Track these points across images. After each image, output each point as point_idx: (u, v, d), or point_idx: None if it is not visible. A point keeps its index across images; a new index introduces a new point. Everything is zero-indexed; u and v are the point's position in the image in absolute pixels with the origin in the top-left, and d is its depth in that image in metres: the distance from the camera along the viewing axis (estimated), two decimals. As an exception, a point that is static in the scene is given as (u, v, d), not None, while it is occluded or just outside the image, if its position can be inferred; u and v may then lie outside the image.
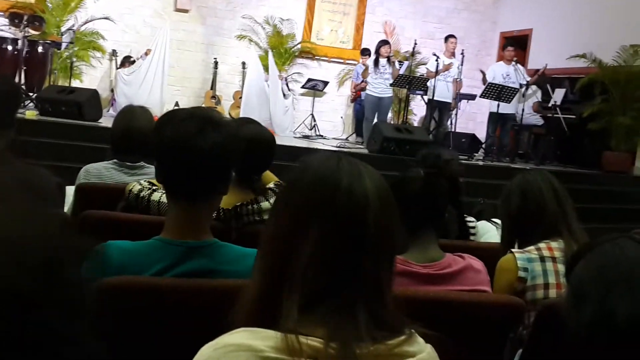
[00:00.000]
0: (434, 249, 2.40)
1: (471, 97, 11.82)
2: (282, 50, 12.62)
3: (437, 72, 10.59)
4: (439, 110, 11.05)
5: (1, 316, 0.47)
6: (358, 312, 1.22)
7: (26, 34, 10.12)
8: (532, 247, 2.65)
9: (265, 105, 10.73)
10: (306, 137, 11.48)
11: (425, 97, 11.26)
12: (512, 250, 2.67)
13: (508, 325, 2.34)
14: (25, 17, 10.47)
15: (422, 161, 3.35)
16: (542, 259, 2.62)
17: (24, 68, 9.76)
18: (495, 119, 10.85)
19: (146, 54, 11.22)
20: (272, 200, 2.85)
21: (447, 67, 10.77)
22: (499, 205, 2.91)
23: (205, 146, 1.83)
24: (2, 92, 2.62)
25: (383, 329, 1.24)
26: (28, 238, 0.51)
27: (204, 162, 1.84)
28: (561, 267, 2.63)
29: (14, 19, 10.49)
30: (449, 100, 10.99)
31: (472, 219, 3.50)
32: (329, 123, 12.81)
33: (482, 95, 10.50)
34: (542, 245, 2.66)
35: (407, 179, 2.45)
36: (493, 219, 3.97)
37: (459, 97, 11.41)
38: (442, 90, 10.77)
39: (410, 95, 11.33)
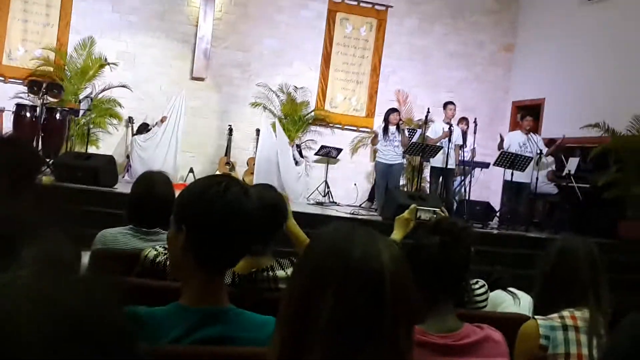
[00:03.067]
0: (452, 318, 2.36)
1: (485, 165, 11.84)
2: (296, 118, 12.76)
3: (438, 139, 10.63)
4: (443, 177, 11.06)
5: None
6: None
7: (45, 102, 10.31)
8: (555, 315, 2.62)
9: (277, 174, 10.80)
10: (320, 203, 11.49)
11: (430, 165, 11.26)
12: (535, 317, 2.63)
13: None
14: (44, 85, 10.69)
15: (437, 228, 3.32)
16: (565, 327, 2.58)
17: (42, 134, 9.91)
18: (509, 187, 10.83)
19: (162, 120, 11.39)
20: (287, 270, 2.84)
21: (446, 134, 10.77)
22: (538, 265, 2.89)
23: (248, 211, 1.85)
24: (23, 158, 2.65)
25: None
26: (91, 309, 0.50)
27: (245, 228, 1.85)
28: (584, 338, 2.58)
29: (33, 87, 10.72)
30: (452, 167, 10.99)
31: (482, 288, 3.41)
32: (343, 190, 12.84)
33: (496, 164, 10.51)
34: (565, 313, 2.63)
35: (422, 247, 2.43)
36: (510, 289, 3.92)
37: (473, 165, 11.42)
38: (447, 157, 10.72)
39: (424, 162, 11.37)
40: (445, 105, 11.17)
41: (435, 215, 3.64)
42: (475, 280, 3.32)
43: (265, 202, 2.85)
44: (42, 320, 0.47)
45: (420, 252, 2.38)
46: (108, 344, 0.48)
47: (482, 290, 3.33)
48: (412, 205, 3.61)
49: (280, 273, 2.85)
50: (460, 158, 11.03)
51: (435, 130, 10.94)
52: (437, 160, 10.71)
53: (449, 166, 10.79)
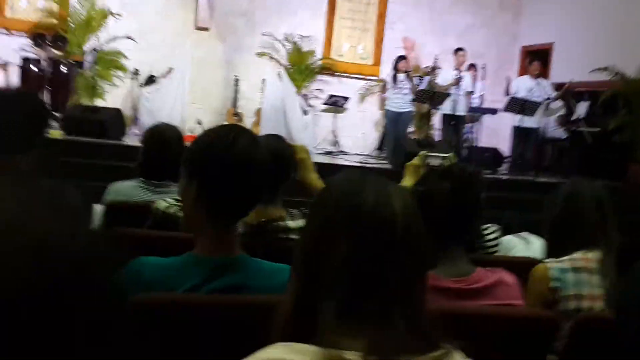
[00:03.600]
0: (464, 263, 2.37)
1: (493, 111, 11.76)
2: (302, 67, 12.66)
3: (447, 86, 10.55)
4: (453, 124, 10.99)
5: (28, 316, 0.44)
6: (395, 321, 1.22)
7: (49, 55, 10.24)
8: (565, 258, 2.63)
9: (283, 123, 10.76)
10: (328, 153, 11.47)
11: (441, 112, 11.21)
12: (545, 260, 2.64)
13: (543, 340, 2.30)
14: (48, 38, 10.60)
15: (447, 174, 3.31)
16: (576, 269, 2.59)
17: (49, 88, 9.87)
18: (518, 133, 10.78)
19: (168, 72, 11.31)
20: (298, 220, 2.85)
21: (457, 81, 10.69)
22: (545, 211, 2.89)
23: (258, 162, 1.85)
24: (30, 112, 2.64)
25: (421, 340, 1.23)
26: (60, 242, 0.48)
27: (256, 178, 1.85)
28: (595, 279, 2.59)
29: (38, 39, 10.64)
30: (463, 114, 10.94)
31: (494, 233, 3.41)
32: (351, 139, 12.80)
33: (506, 109, 10.44)
34: (577, 255, 2.63)
35: (432, 193, 2.43)
36: (521, 234, 3.92)
37: (481, 111, 11.35)
38: (456, 104, 10.66)
39: (432, 110, 11.31)
40: (456, 51, 11.04)
41: (444, 162, 3.63)
42: (486, 225, 3.32)
43: (274, 151, 2.84)
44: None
45: (431, 198, 2.38)
46: (73, 275, 0.47)
47: (494, 235, 3.34)
48: (422, 152, 3.59)
49: (290, 223, 2.85)
50: (470, 104, 10.95)
51: (444, 78, 10.85)
52: (447, 108, 10.64)
53: (458, 113, 10.72)
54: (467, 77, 10.93)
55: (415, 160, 3.51)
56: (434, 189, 2.42)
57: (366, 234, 1.26)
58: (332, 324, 1.21)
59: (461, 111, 10.78)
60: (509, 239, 3.83)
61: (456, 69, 10.71)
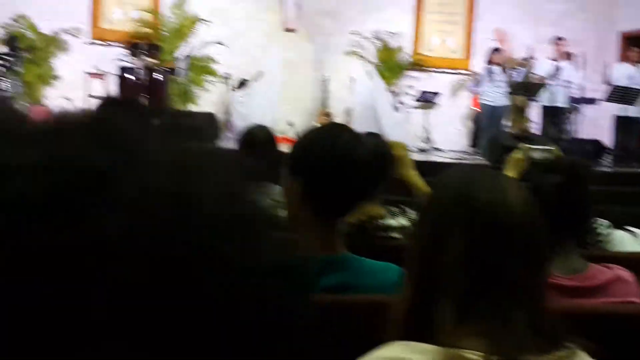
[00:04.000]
0: (577, 259, 2.27)
1: (592, 101, 11.35)
2: (391, 64, 12.58)
3: (548, 77, 10.26)
4: (556, 116, 10.67)
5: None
6: (516, 319, 1.19)
7: (144, 63, 10.57)
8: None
9: (375, 121, 10.71)
10: (422, 150, 11.35)
11: (540, 103, 10.92)
12: None
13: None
14: (143, 47, 10.95)
15: (556, 167, 3.19)
16: None
17: (144, 95, 10.18)
18: (621, 123, 10.38)
19: (258, 75, 11.48)
20: (398, 219, 2.81)
21: (556, 72, 10.39)
22: None
23: (361, 158, 1.85)
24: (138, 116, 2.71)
25: (543, 337, 1.20)
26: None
27: (360, 175, 1.85)
28: None
29: (133, 48, 11.00)
30: (565, 105, 10.60)
31: (605, 228, 3.27)
32: (443, 135, 12.61)
33: (608, 99, 10.07)
34: None
35: (541, 187, 2.33)
36: (628, 228, 3.76)
37: (580, 101, 10.99)
38: (557, 95, 10.38)
39: (528, 102, 11.01)
40: (555, 40, 10.73)
41: (548, 155, 3.52)
42: (596, 219, 3.18)
43: (373, 149, 2.80)
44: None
45: (540, 193, 2.29)
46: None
47: (606, 230, 3.20)
48: (524, 145, 3.49)
49: (391, 222, 2.82)
50: (569, 95, 10.64)
51: (542, 68, 10.55)
52: (545, 99, 10.36)
53: (558, 104, 10.41)
54: (566, 66, 10.61)
55: (518, 154, 3.41)
56: (542, 183, 2.33)
57: (483, 231, 1.23)
58: (450, 323, 1.19)
59: (561, 102, 10.47)
60: (616, 234, 3.67)
61: (553, 60, 10.42)
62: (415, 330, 1.21)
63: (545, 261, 1.33)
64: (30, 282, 0.36)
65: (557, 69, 10.34)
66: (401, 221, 2.81)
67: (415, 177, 3.18)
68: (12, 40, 10.98)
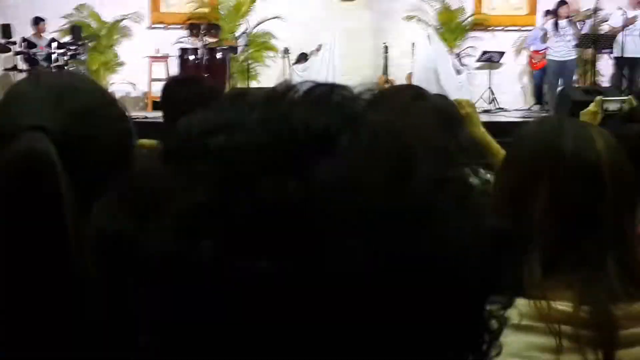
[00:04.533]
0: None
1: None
2: (452, 26, 12.34)
3: (623, 27, 9.88)
4: (630, 67, 10.30)
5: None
6: (607, 265, 1.16)
7: (205, 43, 10.65)
8: None
9: (436, 84, 10.56)
10: (486, 111, 11.14)
11: (613, 55, 10.54)
12: None
13: None
14: (202, 27, 11.03)
15: (636, 115, 3.08)
16: None
17: (206, 75, 10.26)
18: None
19: (317, 49, 11.44)
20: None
21: (632, 21, 10.01)
22: None
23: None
24: (206, 93, 2.74)
25: (636, 285, 1.17)
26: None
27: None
28: None
29: (193, 29, 11.10)
30: (638, 56, 10.21)
31: None
32: (509, 94, 12.33)
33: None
34: None
35: (621, 136, 2.24)
36: None
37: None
38: (631, 46, 10.02)
39: (597, 55, 10.67)
40: None
41: (624, 106, 3.39)
42: None
43: (441, 109, 2.74)
44: None
45: (621, 143, 2.20)
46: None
47: None
48: (598, 97, 3.38)
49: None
50: None
51: (614, 19, 10.18)
52: (618, 50, 10.01)
53: (632, 55, 10.05)
54: None
55: (592, 107, 3.30)
56: (623, 133, 2.24)
57: (571, 178, 1.20)
58: (538, 275, 1.16)
59: (637, 53, 10.10)
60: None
61: (625, 10, 10.01)
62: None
63: (635, 208, 1.27)
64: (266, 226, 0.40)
65: (631, 18, 9.95)
66: (475, 181, 2.74)
67: (485, 135, 3.11)
68: (76, 30, 11.22)
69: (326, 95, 0.47)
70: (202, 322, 0.41)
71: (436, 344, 0.44)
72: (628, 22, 10.00)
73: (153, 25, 12.15)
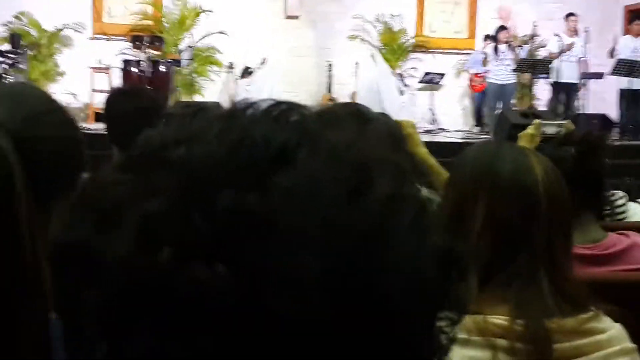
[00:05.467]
0: (595, 229, 2.27)
1: (598, 75, 11.30)
2: (395, 47, 12.53)
3: (560, 53, 10.21)
4: (566, 93, 10.63)
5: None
6: (540, 281, 1.20)
7: (148, 55, 10.55)
8: None
9: (379, 104, 10.69)
10: (428, 131, 11.32)
11: (549, 80, 10.86)
12: None
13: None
14: (146, 39, 10.92)
15: (571, 140, 3.18)
16: None
17: (149, 87, 10.16)
18: (627, 96, 10.35)
19: (262, 63, 11.46)
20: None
21: (569, 47, 10.35)
22: None
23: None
24: (147, 105, 2.72)
25: (567, 302, 1.21)
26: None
27: None
28: None
29: (136, 41, 10.97)
30: (576, 81, 10.56)
31: (621, 200, 3.27)
32: (449, 116, 12.57)
33: (613, 73, 10.03)
34: None
35: (557, 159, 2.32)
36: (638, 200, 3.76)
37: (587, 76, 10.94)
38: (567, 71, 10.35)
39: (534, 79, 10.98)
40: (567, 16, 10.73)
41: (561, 130, 3.50)
42: (612, 192, 3.18)
43: (387, 128, 2.78)
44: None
45: (555, 165, 2.28)
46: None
47: (622, 201, 3.19)
48: (536, 120, 3.49)
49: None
50: (580, 71, 10.61)
51: (551, 44, 10.51)
52: (554, 75, 10.34)
53: (569, 80, 10.39)
54: (578, 41, 10.58)
55: (530, 130, 3.40)
56: (558, 155, 2.32)
57: (507, 196, 1.25)
58: (475, 290, 1.20)
59: (572, 78, 10.43)
60: (632, 205, 3.67)
61: (559, 37, 10.35)
62: None
63: (569, 227, 1.33)
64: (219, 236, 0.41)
65: (568, 45, 10.30)
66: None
67: (426, 155, 3.17)
68: (15, 38, 10.98)
69: (286, 112, 0.48)
70: (160, 330, 0.41)
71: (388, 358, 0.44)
72: (565, 49, 10.31)
73: (95, 36, 11.99)
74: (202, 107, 0.50)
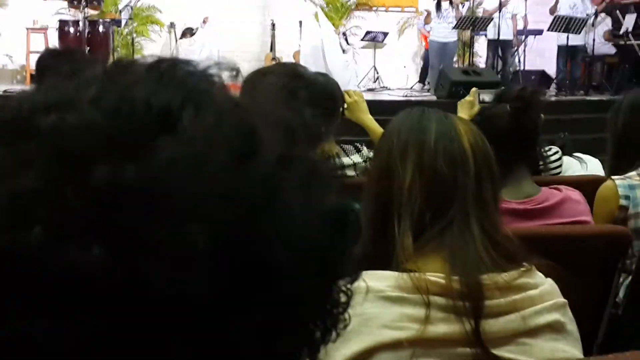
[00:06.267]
0: (529, 184, 2.34)
1: (538, 32, 11.44)
2: (337, 5, 12.46)
3: (499, 10, 10.32)
4: (501, 49, 10.76)
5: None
6: (472, 231, 1.22)
7: (86, 15, 10.26)
8: (633, 173, 2.52)
9: (323, 63, 10.66)
10: (370, 90, 11.36)
11: (487, 38, 10.97)
12: (612, 177, 2.55)
13: (614, 256, 2.25)
14: (83, -1, 10.61)
15: (505, 96, 3.24)
16: (645, 185, 2.51)
17: (87, 48, 9.91)
18: (564, 52, 10.52)
19: (204, 22, 11.27)
20: (352, 156, 2.83)
21: (504, 4, 10.44)
22: (608, 123, 2.79)
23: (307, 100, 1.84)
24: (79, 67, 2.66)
25: (500, 254, 1.23)
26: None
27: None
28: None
29: (73, 1, 10.65)
30: (510, 38, 10.68)
31: (556, 155, 3.35)
32: (392, 74, 12.61)
33: (550, 29, 10.17)
34: None
35: (493, 116, 2.39)
36: (575, 154, 3.85)
37: (526, 33, 11.07)
38: (503, 29, 10.43)
39: (474, 37, 11.07)
40: None
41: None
42: (548, 147, 3.26)
43: (324, 87, 2.80)
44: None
45: (491, 122, 2.33)
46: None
47: (556, 156, 3.27)
48: (473, 88, 3.56)
49: (345, 160, 2.84)
50: (515, 27, 10.72)
51: (489, 2, 10.58)
52: (491, 33, 10.41)
53: (504, 37, 10.48)
54: None
55: (468, 97, 3.48)
56: (493, 112, 2.38)
57: (435, 154, 1.27)
58: (410, 247, 1.22)
59: (508, 35, 10.54)
60: (564, 160, 3.76)
61: None
62: (374, 261, 1.22)
63: (496, 182, 1.35)
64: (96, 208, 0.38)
65: (502, 1, 10.37)
66: (355, 159, 2.83)
67: (371, 122, 3.21)
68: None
69: (170, 70, 0.44)
70: (29, 312, 0.38)
71: (282, 324, 0.43)
72: (501, 5, 10.40)
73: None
74: (84, 63, 0.45)
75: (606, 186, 2.54)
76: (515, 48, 11.15)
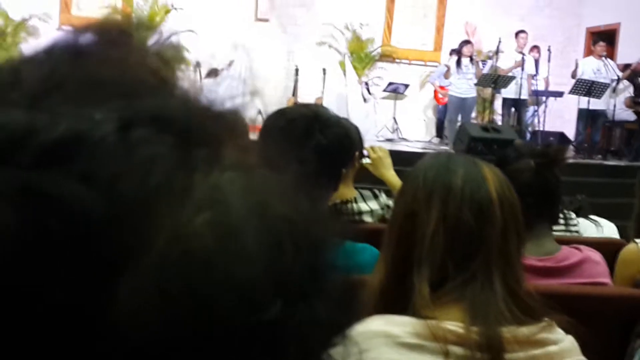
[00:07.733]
0: (549, 241, 2.33)
1: (559, 94, 11.52)
2: (362, 55, 12.61)
3: (512, 70, 10.42)
4: (515, 108, 10.82)
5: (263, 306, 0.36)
6: (494, 285, 1.21)
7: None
8: (656, 237, 2.53)
9: (345, 110, 10.75)
10: (389, 140, 11.42)
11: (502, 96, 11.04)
12: (636, 240, 2.55)
13: (632, 320, 2.24)
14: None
15: (530, 151, 3.25)
16: (668, 250, 2.50)
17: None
18: (585, 115, 10.55)
19: (229, 64, 11.41)
20: (369, 203, 2.83)
21: (519, 64, 10.50)
22: (636, 187, 2.79)
23: (324, 142, 1.85)
24: None
25: (521, 309, 1.22)
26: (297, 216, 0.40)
27: (323, 158, 1.82)
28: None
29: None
30: (525, 97, 10.74)
31: (573, 215, 3.37)
32: (411, 126, 12.69)
33: (572, 92, 10.22)
34: None
35: (516, 170, 2.39)
36: (591, 217, 3.84)
37: (547, 94, 11.14)
38: (517, 87, 10.46)
39: (495, 94, 11.16)
40: (517, 34, 10.89)
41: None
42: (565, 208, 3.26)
43: (346, 129, 2.82)
44: (263, 229, 0.37)
45: (514, 176, 2.33)
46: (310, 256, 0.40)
47: (573, 216, 3.28)
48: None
49: (363, 206, 2.83)
50: (533, 88, 10.77)
51: (506, 61, 10.69)
52: (509, 91, 10.48)
53: (521, 97, 10.54)
54: (529, 59, 10.75)
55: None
56: (517, 167, 2.38)
57: (460, 203, 1.25)
58: (427, 294, 1.20)
59: (523, 94, 10.61)
60: (583, 222, 3.75)
61: (519, 53, 10.56)
62: (392, 306, 1.22)
63: (521, 235, 1.33)
64: None
65: (522, 60, 10.48)
66: (372, 205, 2.83)
67: (394, 178, 3.20)
68: (-20, 25, 10.79)
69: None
70: None
71: None
72: (515, 65, 10.49)
73: (62, 27, 11.84)
74: None
75: (629, 249, 2.54)
76: (534, 108, 11.19)
